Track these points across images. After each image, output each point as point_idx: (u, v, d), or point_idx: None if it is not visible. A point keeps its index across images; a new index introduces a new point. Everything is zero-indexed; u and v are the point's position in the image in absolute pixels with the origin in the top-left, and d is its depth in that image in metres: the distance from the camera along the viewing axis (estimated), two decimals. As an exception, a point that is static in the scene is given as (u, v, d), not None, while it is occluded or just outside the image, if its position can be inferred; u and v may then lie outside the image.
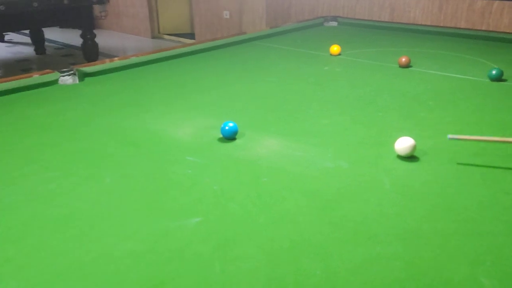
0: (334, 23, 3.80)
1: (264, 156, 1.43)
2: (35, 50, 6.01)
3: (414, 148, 1.39)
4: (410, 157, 1.40)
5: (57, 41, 6.71)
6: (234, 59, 2.65)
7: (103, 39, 6.59)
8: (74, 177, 1.30)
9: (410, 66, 2.46)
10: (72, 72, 2.15)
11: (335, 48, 2.73)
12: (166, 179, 1.29)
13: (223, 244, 1.00)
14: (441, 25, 4.27)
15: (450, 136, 1.38)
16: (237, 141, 1.52)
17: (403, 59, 2.46)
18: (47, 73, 2.11)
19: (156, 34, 7.45)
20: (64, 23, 5.46)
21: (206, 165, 1.37)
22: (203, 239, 1.02)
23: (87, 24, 5.36)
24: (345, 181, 1.28)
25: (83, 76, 2.17)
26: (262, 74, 2.35)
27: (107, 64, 2.32)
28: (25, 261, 0.95)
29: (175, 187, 1.25)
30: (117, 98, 1.95)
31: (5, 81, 1.99)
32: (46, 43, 6.18)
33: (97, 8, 5.53)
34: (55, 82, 2.08)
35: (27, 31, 6.30)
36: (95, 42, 5.40)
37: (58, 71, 2.12)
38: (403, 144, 1.39)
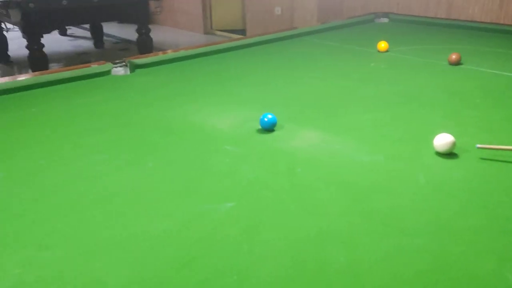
0: (385, 20, 3.73)
1: (301, 148, 1.46)
2: (94, 44, 6.31)
3: (453, 145, 1.36)
4: (449, 154, 1.38)
5: (115, 36, 7.01)
6: (280, 54, 2.68)
7: (157, 34, 6.82)
8: (119, 161, 1.38)
9: (461, 64, 2.38)
10: (124, 63, 2.27)
11: (382, 45, 2.69)
12: (204, 166, 1.35)
13: (253, 228, 1.05)
14: (502, 22, 4.08)
15: (478, 145, 1.35)
16: (276, 133, 1.56)
17: (453, 56, 2.39)
18: (101, 64, 2.24)
19: (208, 30, 7.60)
20: (122, 18, 5.71)
21: (243, 154, 1.42)
22: (234, 222, 1.06)
23: (143, 19, 5.57)
24: (379, 175, 1.28)
25: (134, 67, 2.28)
26: (306, 70, 2.37)
27: (157, 57, 2.42)
28: (71, 233, 1.04)
29: (212, 173, 1.30)
30: (164, 89, 2.04)
31: (64, 71, 2.14)
32: (104, 38, 6.48)
33: (153, 4, 5.72)
34: (108, 72, 2.21)
35: (87, 26, 6.62)
36: (149, 36, 5.60)
37: (111, 62, 2.24)
38: (442, 140, 1.37)
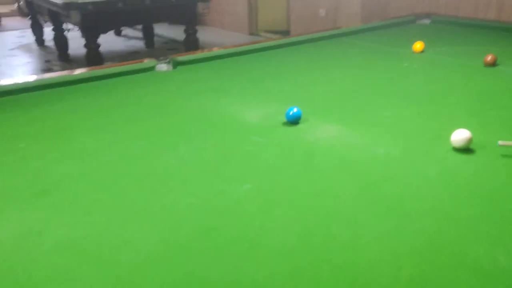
0: (427, 21, 3.72)
1: (321, 139, 1.56)
2: (145, 44, 6.65)
3: (469, 140, 1.42)
4: (466, 150, 1.43)
5: (165, 36, 7.33)
6: (316, 54, 2.78)
7: (204, 34, 7.07)
8: (156, 146, 1.55)
9: (497, 65, 2.38)
10: (167, 60, 2.45)
11: (418, 45, 2.73)
12: (230, 153, 1.49)
13: (266, 206, 1.17)
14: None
15: (500, 142, 1.39)
16: (300, 126, 1.67)
17: (488, 57, 2.39)
18: (147, 60, 2.43)
19: (253, 31, 7.77)
20: (172, 20, 5.97)
21: (267, 144, 1.54)
22: (250, 201, 1.19)
23: (191, 20, 5.81)
24: (391, 166, 1.37)
25: (176, 64, 2.46)
26: (338, 69, 2.45)
27: (197, 55, 2.59)
28: (111, 203, 1.21)
29: (236, 159, 1.44)
30: (202, 84, 2.20)
31: (115, 66, 2.36)
32: (155, 38, 6.80)
33: (200, 6, 5.95)
34: (152, 68, 2.40)
35: (140, 27, 6.97)
36: (196, 37, 5.83)
37: (156, 59, 2.43)
38: (459, 135, 1.43)
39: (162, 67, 2.43)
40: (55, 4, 4.89)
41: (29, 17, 6.59)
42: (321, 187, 1.26)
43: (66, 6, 4.64)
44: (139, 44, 6.85)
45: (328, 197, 1.21)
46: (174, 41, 6.97)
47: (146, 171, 1.38)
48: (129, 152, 1.50)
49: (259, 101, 1.98)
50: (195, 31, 5.95)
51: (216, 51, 2.69)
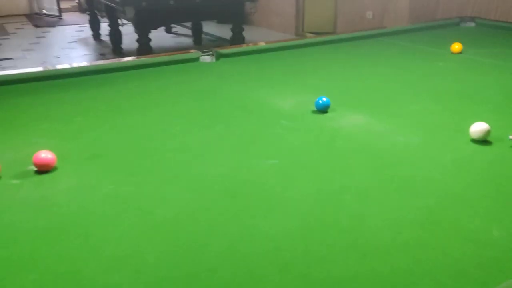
0: (472, 24, 3.71)
1: (345, 127, 1.68)
2: (193, 41, 6.92)
3: (486, 132, 1.49)
4: (483, 141, 1.50)
5: (212, 34, 7.58)
6: (355, 52, 2.87)
7: (251, 33, 7.25)
8: (194, 124, 1.72)
9: (534, 68, 2.40)
10: (210, 52, 2.63)
11: (456, 46, 2.76)
12: (260, 133, 1.63)
13: (287, 179, 1.30)
14: None
15: (511, 136, 1.45)
16: (328, 114, 1.79)
17: (525, 60, 2.40)
18: (192, 52, 2.62)
19: (299, 32, 7.88)
20: (220, 18, 6.21)
21: (294, 128, 1.67)
22: (273, 174, 1.33)
23: (238, 19, 6.02)
24: (408, 152, 1.47)
25: (219, 56, 2.63)
26: (374, 66, 2.54)
27: (239, 48, 2.76)
28: (152, 168, 1.38)
29: (265, 139, 1.58)
30: (242, 75, 2.36)
31: (162, 55, 2.56)
32: (203, 36, 7.06)
33: (248, 5, 6.14)
34: (197, 59, 2.58)
35: (189, 25, 7.25)
36: (242, 35, 6.03)
37: (200, 51, 2.61)
38: (477, 127, 1.51)
39: (206, 58, 2.61)
40: (112, 1, 5.23)
41: (88, 12, 7.02)
42: (339, 166, 1.38)
43: (122, 2, 4.95)
44: (188, 41, 7.13)
45: (344, 174, 1.33)
46: (221, 39, 7.19)
47: (183, 145, 1.54)
48: (170, 128, 1.68)
49: (294, 92, 2.11)
50: (242, 30, 6.14)
51: (258, 45, 2.85)
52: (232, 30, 6.18)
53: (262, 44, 2.85)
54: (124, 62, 2.49)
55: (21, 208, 1.17)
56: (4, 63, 5.67)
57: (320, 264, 0.94)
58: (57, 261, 0.96)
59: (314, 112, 1.82)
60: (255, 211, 1.15)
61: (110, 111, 1.85)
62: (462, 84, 2.19)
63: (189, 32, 7.36)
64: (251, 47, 2.81)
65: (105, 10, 6.01)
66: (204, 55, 2.62)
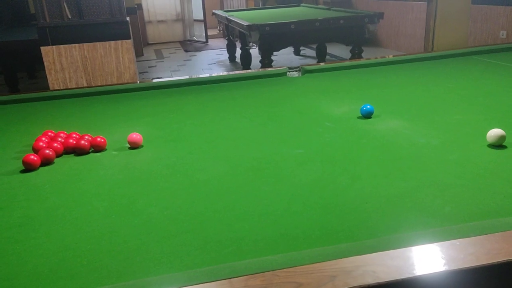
0: None
1: (379, 130, 1.90)
2: (317, 62, 7.35)
3: (501, 138, 1.59)
4: (499, 146, 1.61)
5: (335, 55, 7.92)
6: (432, 70, 2.96)
7: (375, 55, 7.39)
8: (252, 122, 2.12)
9: None
10: (298, 69, 3.01)
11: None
12: (303, 131, 1.96)
13: (305, 163, 1.61)
14: None
15: None
16: (369, 119, 2.03)
17: None
18: (282, 68, 3.04)
19: (428, 52, 7.73)
20: (339, 40, 6.52)
21: (334, 128, 1.96)
22: (295, 160, 1.65)
23: (358, 41, 6.27)
24: (423, 151, 1.65)
25: (304, 72, 3.00)
26: (441, 81, 2.63)
27: (326, 65, 3.08)
28: (205, 150, 1.82)
29: (303, 135, 1.90)
30: (312, 87, 2.69)
31: (256, 71, 3.04)
32: (327, 57, 7.45)
33: (370, 27, 6.35)
34: (284, 74, 2.99)
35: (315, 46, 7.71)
36: (361, 56, 6.26)
37: (288, 67, 3.02)
38: (492, 132, 1.62)
39: (293, 74, 3.01)
40: (242, 26, 5.97)
41: (226, 38, 7.99)
42: (356, 156, 1.64)
43: (249, 27, 5.64)
44: (312, 62, 7.59)
45: (356, 163, 1.58)
46: (343, 59, 7.50)
47: (238, 136, 1.95)
48: (233, 124, 2.11)
49: (351, 100, 2.37)
50: (361, 51, 6.38)
51: (338, 63, 3.14)
52: (351, 51, 6.45)
53: (343, 62, 3.13)
54: (223, 75, 3.03)
55: (114, 168, 1.70)
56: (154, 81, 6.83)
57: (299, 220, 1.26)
58: (128, 200, 1.45)
59: (359, 117, 2.07)
60: (268, 187, 1.46)
61: (197, 111, 2.36)
62: (529, 98, 2.19)
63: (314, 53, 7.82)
64: (331, 64, 3.11)
65: (238, 35, 6.82)
66: (292, 71, 3.01)
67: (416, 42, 8.13)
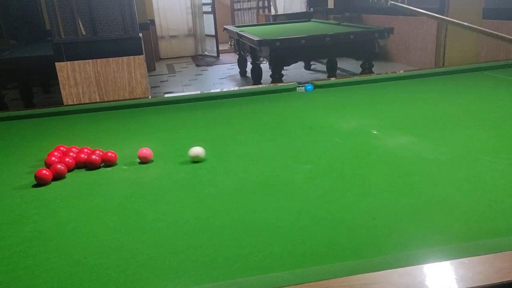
0: None
1: (387, 144, 1.90)
2: (328, 76, 7.37)
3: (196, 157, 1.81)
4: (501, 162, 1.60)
5: (345, 70, 7.94)
6: (444, 85, 2.96)
7: (385, 70, 7.40)
8: (263, 137, 2.13)
9: None
10: (302, 84, 3.03)
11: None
12: (311, 146, 1.96)
13: (312, 177, 1.62)
14: None
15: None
16: (378, 134, 2.03)
17: None
18: (291, 83, 3.06)
19: (439, 67, 7.71)
20: (350, 55, 6.55)
21: (341, 144, 1.96)
22: (304, 174, 1.66)
23: (368, 56, 6.29)
24: (432, 167, 1.64)
25: (314, 87, 3.02)
26: (454, 97, 2.62)
27: (334, 80, 3.10)
28: (213, 165, 1.83)
29: (313, 150, 1.91)
30: (321, 102, 2.70)
31: (267, 85, 3.06)
32: (338, 72, 7.47)
33: (381, 42, 6.36)
34: (294, 89, 3.01)
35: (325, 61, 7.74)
36: (372, 71, 6.27)
37: (297, 82, 3.04)
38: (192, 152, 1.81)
39: (302, 89, 3.02)
40: (253, 41, 6.02)
41: (237, 52, 8.07)
42: (365, 172, 1.64)
43: (259, 42, 5.69)
44: (323, 77, 7.61)
45: (367, 178, 1.57)
46: (353, 74, 7.51)
47: (247, 151, 1.96)
48: (243, 140, 2.13)
49: (360, 116, 2.38)
50: (371, 66, 6.39)
51: (348, 78, 3.15)
52: (361, 66, 6.47)
53: (352, 77, 3.14)
54: (232, 91, 3.05)
55: (124, 183, 1.72)
56: (166, 95, 6.92)
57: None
58: (137, 214, 1.46)
59: (367, 132, 2.07)
60: (278, 196, 1.49)
61: (206, 127, 2.38)
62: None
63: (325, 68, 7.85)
64: (342, 79, 3.13)
65: (249, 50, 6.88)
66: (301, 86, 3.03)
67: (427, 57, 8.12)
